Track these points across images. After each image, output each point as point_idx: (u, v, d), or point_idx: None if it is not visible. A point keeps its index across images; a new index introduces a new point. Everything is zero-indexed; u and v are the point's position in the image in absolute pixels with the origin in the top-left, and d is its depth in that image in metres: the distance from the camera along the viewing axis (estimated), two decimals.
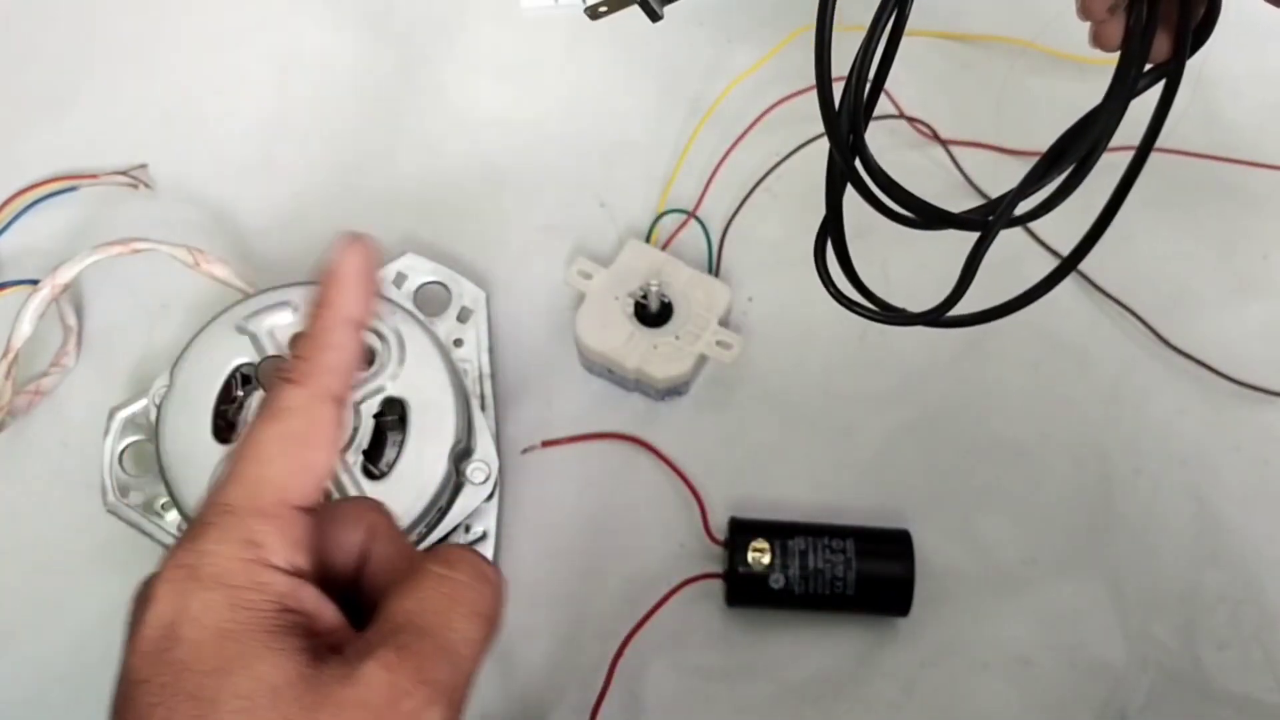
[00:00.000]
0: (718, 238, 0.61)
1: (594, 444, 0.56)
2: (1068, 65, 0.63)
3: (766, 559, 0.51)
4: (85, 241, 0.56)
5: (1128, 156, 0.38)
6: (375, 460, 0.50)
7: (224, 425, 0.49)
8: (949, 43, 0.66)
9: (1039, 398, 0.58)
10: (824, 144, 0.38)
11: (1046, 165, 0.38)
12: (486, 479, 0.51)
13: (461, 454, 0.51)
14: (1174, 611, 0.53)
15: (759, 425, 0.57)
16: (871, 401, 0.58)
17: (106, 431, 0.51)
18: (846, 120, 0.36)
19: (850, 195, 0.39)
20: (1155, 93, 0.38)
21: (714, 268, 0.60)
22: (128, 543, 0.51)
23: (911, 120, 0.63)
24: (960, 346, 0.57)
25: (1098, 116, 0.37)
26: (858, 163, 0.37)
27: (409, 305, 0.53)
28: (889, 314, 0.42)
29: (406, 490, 0.48)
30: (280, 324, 0.50)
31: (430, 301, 0.56)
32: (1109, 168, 0.38)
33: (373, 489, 0.48)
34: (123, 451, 0.51)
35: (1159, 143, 0.38)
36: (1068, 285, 0.41)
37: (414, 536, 0.48)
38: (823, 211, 0.41)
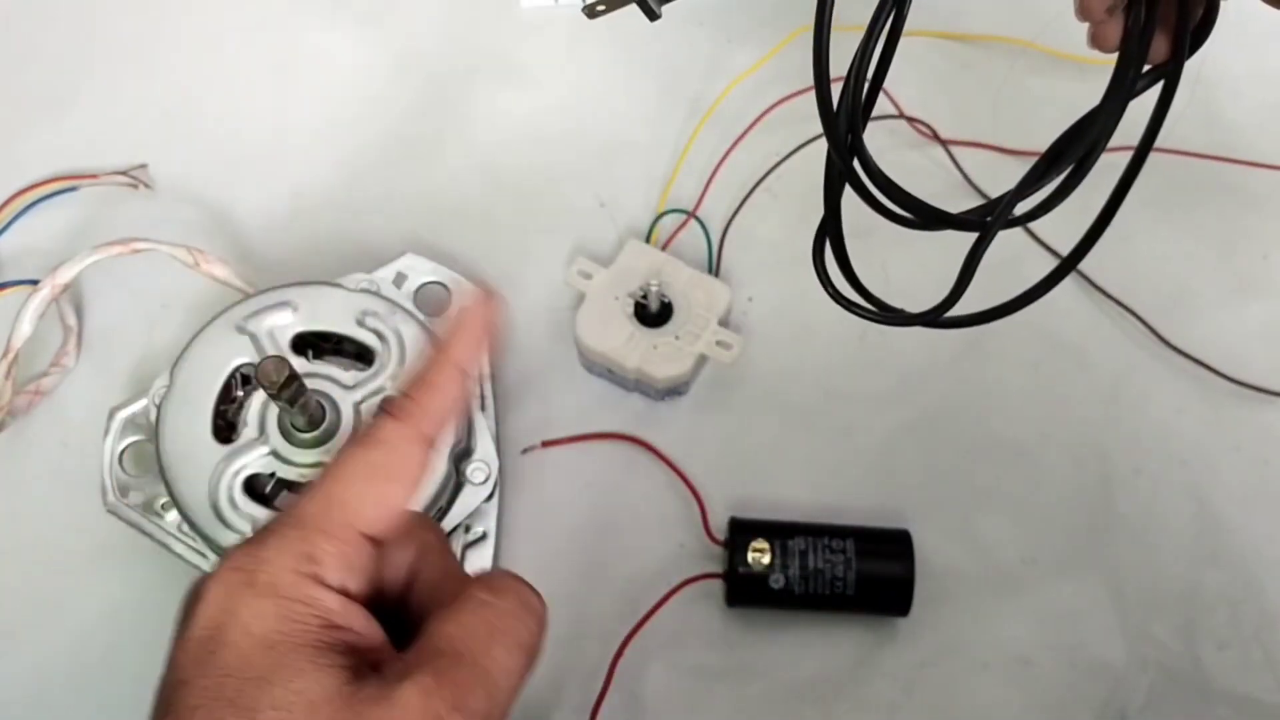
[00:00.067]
0: (718, 238, 0.61)
1: (594, 444, 0.56)
2: (1067, 65, 0.63)
3: (766, 559, 0.51)
4: (85, 241, 0.56)
5: (1127, 156, 0.38)
6: None
7: (224, 425, 0.49)
8: (949, 43, 0.66)
9: (1039, 398, 0.58)
10: (824, 144, 0.38)
11: (1045, 166, 0.38)
12: (486, 479, 0.51)
13: (461, 454, 0.51)
14: (1174, 611, 0.53)
15: (759, 425, 0.57)
16: (871, 401, 0.58)
17: (106, 431, 0.51)
18: (845, 121, 0.37)
19: (849, 195, 0.39)
20: (1154, 93, 0.38)
21: (714, 268, 0.60)
22: (128, 543, 0.51)
23: (911, 120, 0.63)
24: (960, 346, 0.57)
25: (1096, 117, 0.37)
26: (856, 163, 0.37)
27: (409, 305, 0.53)
28: (888, 314, 0.42)
29: None
30: (280, 324, 0.50)
31: (430, 301, 0.56)
32: (1108, 168, 0.38)
33: None
34: (123, 451, 0.51)
35: (1158, 143, 0.38)
36: (1067, 285, 0.41)
37: None
38: (823, 212, 0.41)
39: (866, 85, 0.36)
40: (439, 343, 0.35)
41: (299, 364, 0.49)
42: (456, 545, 0.51)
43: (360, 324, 0.51)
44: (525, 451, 0.56)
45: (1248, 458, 0.56)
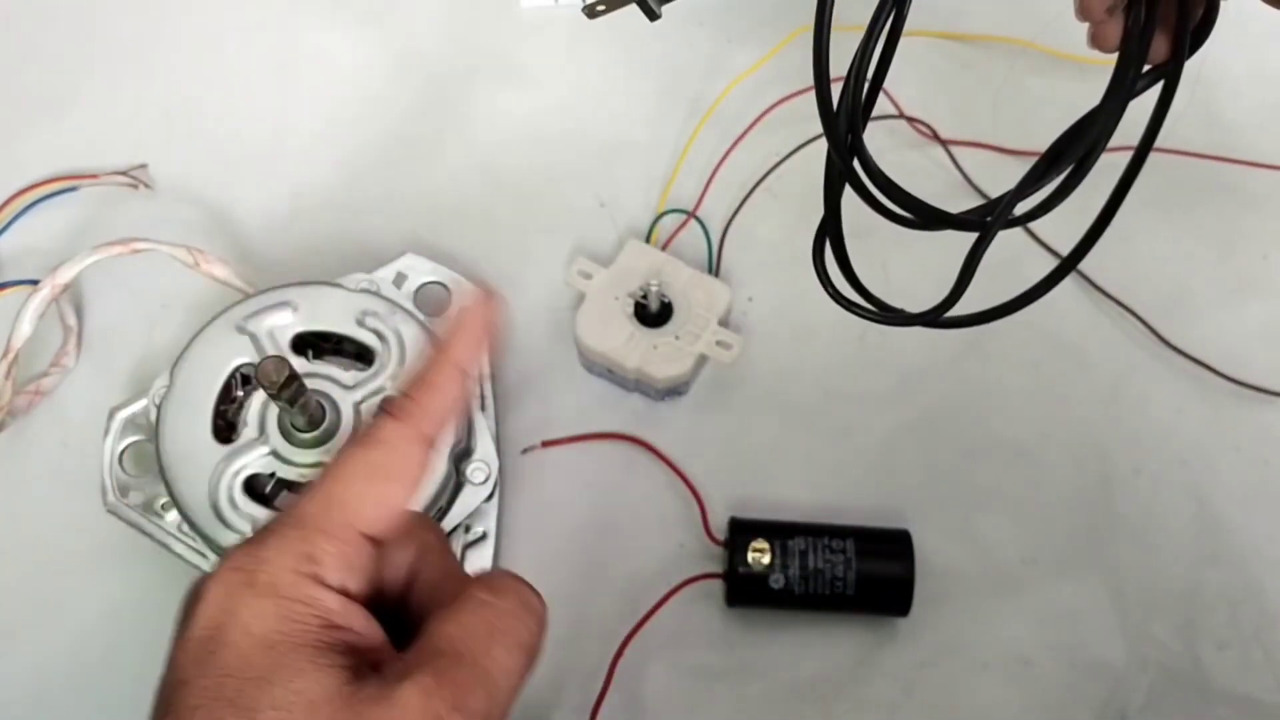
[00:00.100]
0: (718, 238, 0.61)
1: (594, 444, 0.56)
2: (1067, 65, 0.63)
3: (766, 559, 0.51)
4: (85, 241, 0.56)
5: (1127, 156, 0.38)
6: None
7: (224, 425, 0.49)
8: (949, 43, 0.66)
9: (1039, 398, 0.58)
10: (824, 144, 0.38)
11: (1045, 166, 0.38)
12: (486, 479, 0.51)
13: (461, 454, 0.51)
14: (1174, 611, 0.53)
15: (759, 425, 0.57)
16: (871, 401, 0.58)
17: (106, 431, 0.51)
18: (845, 121, 0.37)
19: (849, 195, 0.39)
20: (1154, 93, 0.38)
21: (714, 268, 0.60)
22: (128, 543, 0.51)
23: (911, 120, 0.63)
24: (960, 346, 0.57)
25: (1096, 117, 0.37)
26: (856, 163, 0.37)
27: (409, 305, 0.53)
28: (888, 314, 0.42)
29: None
30: (280, 324, 0.50)
31: (430, 301, 0.56)
32: (1108, 168, 0.38)
33: None
34: (123, 451, 0.51)
35: (1158, 143, 0.38)
36: (1067, 285, 0.41)
37: None
38: (823, 212, 0.41)
39: (866, 85, 0.36)
40: (439, 343, 0.35)
41: (299, 364, 0.49)
42: (456, 545, 0.51)
43: (360, 324, 0.51)
44: (525, 451, 0.56)
45: (1248, 458, 0.56)
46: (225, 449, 0.48)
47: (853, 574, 0.51)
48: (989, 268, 0.39)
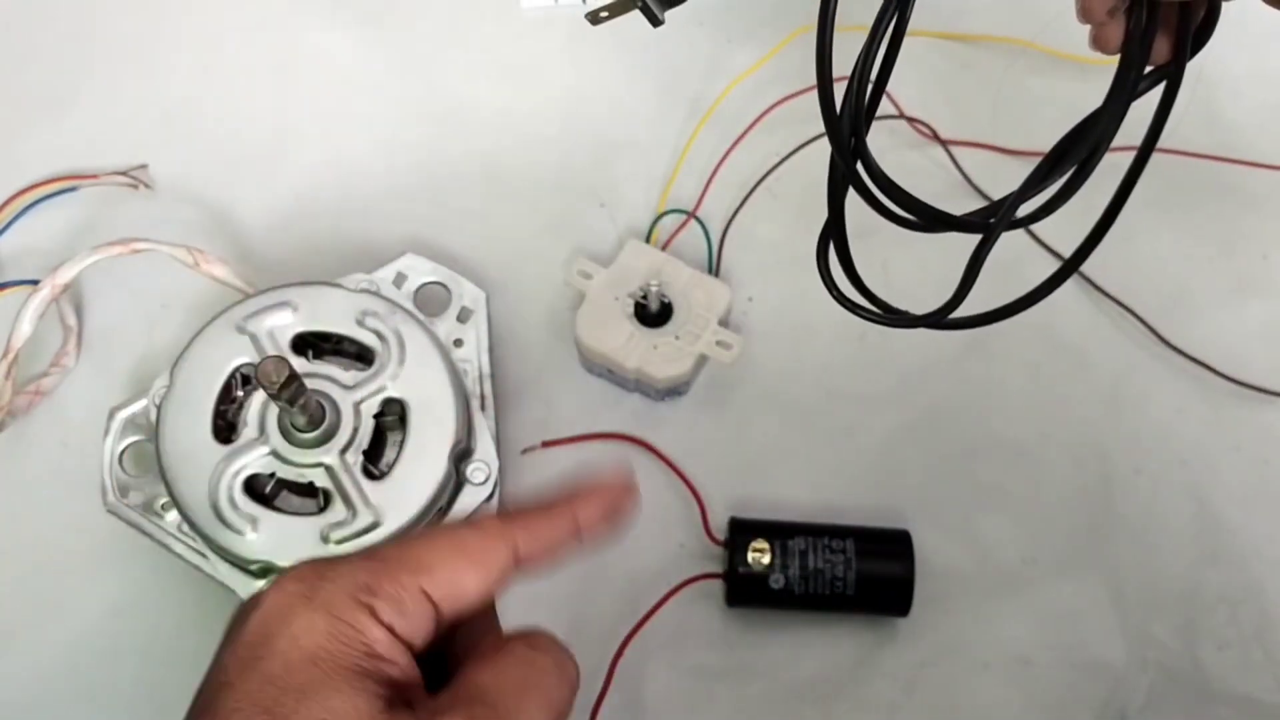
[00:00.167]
0: (718, 238, 0.61)
1: (594, 444, 0.56)
2: (1068, 65, 0.63)
3: (766, 559, 0.51)
4: (85, 241, 0.56)
5: (1127, 157, 0.38)
6: (375, 460, 0.50)
7: (224, 425, 0.49)
8: (949, 43, 0.66)
9: (1039, 398, 0.58)
10: (824, 144, 0.38)
11: (1048, 167, 0.38)
12: (486, 479, 0.51)
13: (461, 454, 0.51)
14: (1174, 611, 0.53)
15: (759, 425, 0.57)
16: (871, 401, 0.58)
17: (106, 431, 0.51)
18: (848, 123, 0.36)
19: (851, 196, 0.39)
20: (1156, 93, 0.38)
21: (714, 268, 0.60)
22: (128, 543, 0.51)
23: (911, 120, 0.63)
24: (960, 347, 0.57)
25: (1098, 119, 0.37)
26: (859, 166, 0.37)
27: (409, 305, 0.53)
28: (892, 316, 0.42)
29: (406, 490, 0.48)
30: (280, 324, 0.50)
31: (430, 301, 0.56)
32: (1108, 168, 0.38)
33: (373, 489, 0.48)
34: (123, 451, 0.51)
35: (1159, 143, 0.38)
36: (1068, 285, 0.41)
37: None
38: (823, 211, 0.41)
39: (869, 87, 0.36)
40: (572, 492, 0.35)
41: (299, 364, 0.49)
42: None
43: (360, 324, 0.51)
44: (525, 451, 0.56)
45: (1248, 458, 0.56)
46: (225, 449, 0.48)
47: (853, 574, 0.51)
48: (990, 269, 0.39)
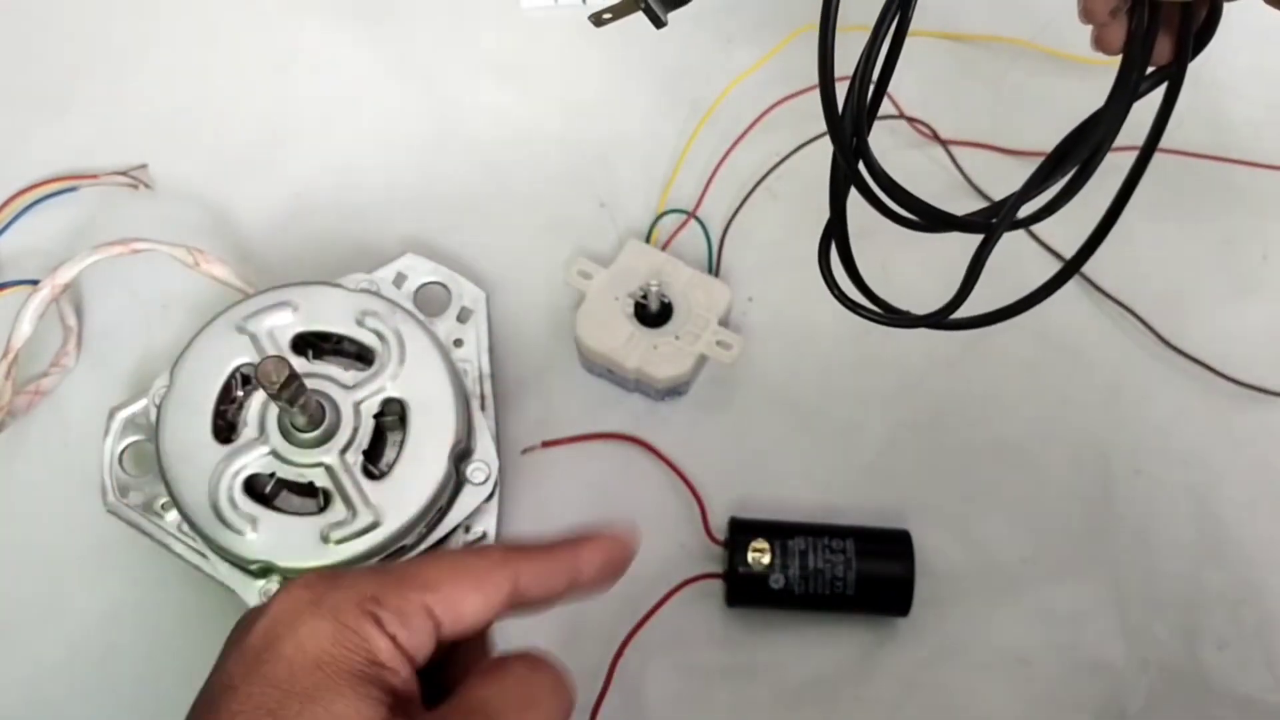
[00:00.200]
0: (718, 238, 0.61)
1: (594, 444, 0.56)
2: (1068, 65, 0.63)
3: (766, 559, 0.51)
4: (85, 241, 0.56)
5: (1128, 157, 0.38)
6: (375, 460, 0.50)
7: (224, 425, 0.49)
8: (949, 43, 0.66)
9: (1039, 398, 0.58)
10: (824, 144, 0.38)
11: (1050, 168, 0.38)
12: (486, 479, 0.51)
13: (461, 454, 0.51)
14: (1174, 611, 0.53)
15: (759, 425, 0.57)
16: (871, 401, 0.58)
17: (106, 431, 0.51)
18: (850, 124, 0.36)
19: (852, 197, 0.39)
20: (1157, 94, 0.38)
21: (714, 268, 0.60)
22: (128, 543, 0.51)
23: (912, 120, 0.63)
24: (960, 347, 0.57)
25: (1100, 119, 0.37)
26: (861, 165, 0.37)
27: (409, 305, 0.53)
28: (893, 316, 0.42)
29: (406, 490, 0.48)
30: (280, 324, 0.50)
31: (430, 301, 0.56)
32: (1109, 169, 0.38)
33: (373, 489, 0.48)
34: (123, 451, 0.51)
35: (1159, 143, 0.38)
36: (1068, 286, 0.41)
37: (413, 537, 0.48)
38: (823, 211, 0.41)
39: (871, 88, 0.36)
40: (577, 538, 0.36)
41: (299, 364, 0.49)
42: (456, 545, 0.51)
43: (360, 324, 0.51)
44: (525, 451, 0.56)
45: (1248, 458, 0.56)
46: (225, 449, 0.48)
47: (853, 574, 0.51)
48: (991, 269, 0.39)
